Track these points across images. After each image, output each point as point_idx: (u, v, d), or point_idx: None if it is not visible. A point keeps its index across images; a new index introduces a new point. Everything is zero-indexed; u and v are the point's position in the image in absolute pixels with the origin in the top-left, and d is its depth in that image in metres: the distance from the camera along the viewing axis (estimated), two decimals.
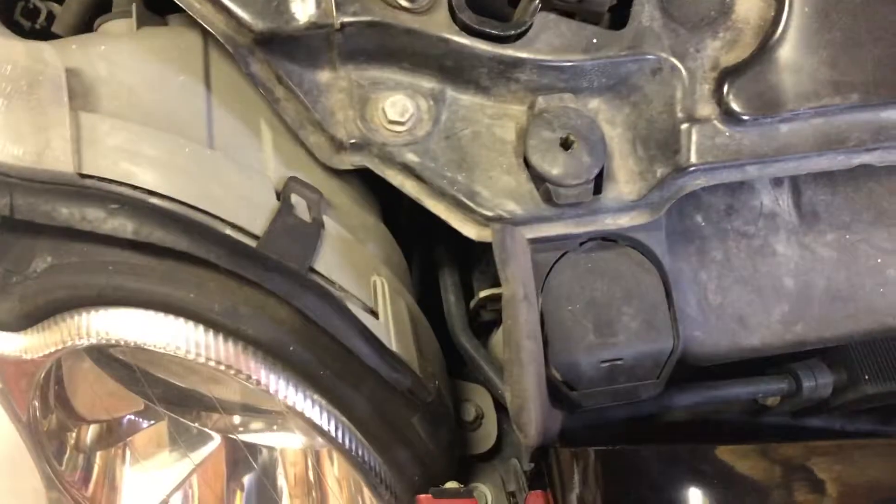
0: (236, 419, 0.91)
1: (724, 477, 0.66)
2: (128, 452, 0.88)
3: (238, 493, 0.92)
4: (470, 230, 0.63)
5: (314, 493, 0.92)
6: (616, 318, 0.66)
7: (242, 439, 0.91)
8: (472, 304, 0.79)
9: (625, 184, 0.64)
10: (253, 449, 0.93)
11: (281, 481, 0.93)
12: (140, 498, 0.88)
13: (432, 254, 0.82)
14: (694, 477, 0.65)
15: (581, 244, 0.67)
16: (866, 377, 0.80)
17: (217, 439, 0.90)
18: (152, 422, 0.88)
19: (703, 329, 0.70)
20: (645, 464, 0.64)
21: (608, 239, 0.67)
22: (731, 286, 0.71)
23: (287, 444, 0.93)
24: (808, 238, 0.73)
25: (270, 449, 0.92)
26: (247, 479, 0.93)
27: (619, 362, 0.67)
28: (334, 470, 0.90)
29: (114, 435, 0.87)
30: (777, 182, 0.73)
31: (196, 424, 0.88)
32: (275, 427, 0.91)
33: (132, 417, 0.89)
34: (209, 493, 0.91)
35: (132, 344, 0.58)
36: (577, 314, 0.66)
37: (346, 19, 0.59)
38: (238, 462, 0.93)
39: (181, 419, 0.89)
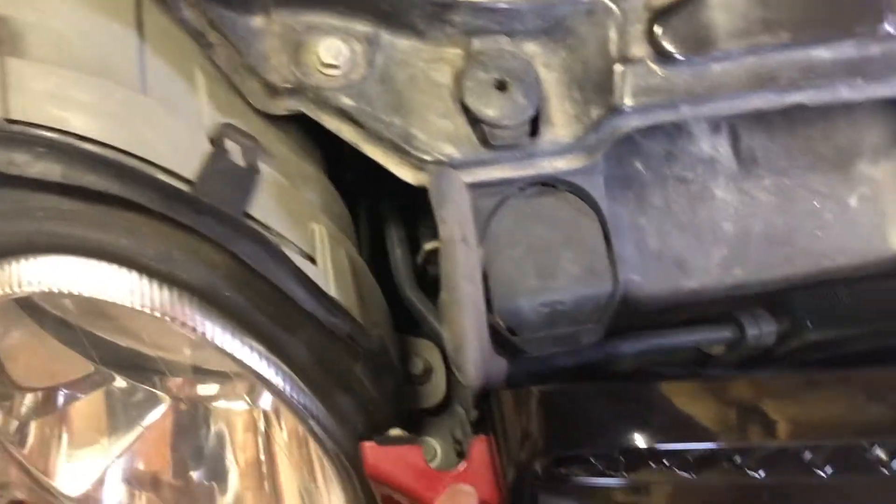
0: (186, 387, 0.91)
1: (669, 414, 0.67)
2: (65, 422, 0.87)
3: (183, 459, 0.92)
4: (407, 174, 0.63)
5: (264, 464, 0.92)
6: (556, 263, 0.67)
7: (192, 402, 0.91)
8: (419, 258, 0.79)
9: (561, 126, 0.64)
10: (202, 412, 0.92)
11: (230, 458, 0.93)
12: (80, 468, 0.87)
13: (378, 209, 0.82)
14: (638, 414, 0.66)
15: (521, 190, 0.68)
16: (809, 324, 0.81)
17: (162, 407, 0.89)
18: (94, 390, 0.87)
19: (643, 273, 0.71)
20: (586, 401, 0.65)
21: (548, 185, 0.68)
22: (670, 231, 0.72)
23: (235, 407, 0.92)
24: (746, 183, 0.74)
25: (218, 412, 0.92)
26: (193, 445, 0.93)
27: (559, 306, 0.68)
28: (283, 435, 0.90)
29: (51, 404, 0.86)
30: (715, 128, 0.74)
31: (145, 386, 0.87)
32: (224, 392, 0.90)
33: (70, 390, 0.88)
34: (154, 460, 0.91)
35: (64, 293, 0.58)
36: (518, 259, 0.67)
37: None
38: (184, 430, 0.92)
39: (131, 382, 0.89)
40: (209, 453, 0.92)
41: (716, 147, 0.74)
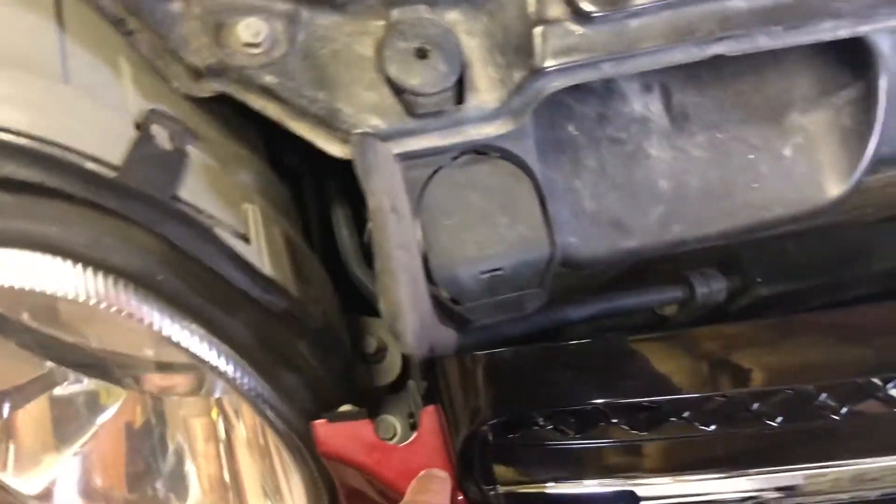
0: (143, 384, 0.91)
1: (615, 371, 0.67)
2: (12, 434, 0.86)
3: (140, 466, 0.91)
4: (335, 148, 0.64)
5: (226, 471, 0.92)
6: (492, 230, 0.68)
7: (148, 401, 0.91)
8: (365, 236, 0.80)
9: (485, 92, 0.65)
10: (158, 418, 0.92)
11: (190, 468, 0.93)
12: (33, 474, 0.87)
13: (323, 190, 0.83)
14: (585, 373, 0.66)
15: (453, 159, 0.68)
16: (759, 279, 0.82)
17: (115, 407, 0.89)
18: (40, 395, 0.87)
19: (580, 235, 0.72)
20: (531, 364, 0.66)
21: (480, 152, 0.68)
22: (606, 192, 0.73)
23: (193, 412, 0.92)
24: (680, 140, 0.75)
25: (176, 421, 0.92)
26: (150, 451, 0.93)
27: (499, 273, 0.68)
28: (243, 433, 0.90)
29: None
30: (647, 87, 0.75)
31: (103, 382, 0.87)
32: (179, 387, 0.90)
33: (15, 397, 0.87)
34: (110, 467, 0.91)
35: None
36: (455, 228, 0.68)
37: None
38: (139, 435, 0.92)
39: (91, 381, 0.89)
40: (168, 463, 0.92)
41: (648, 106, 0.75)
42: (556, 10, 0.64)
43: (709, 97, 0.76)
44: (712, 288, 0.82)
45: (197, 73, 0.64)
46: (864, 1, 0.65)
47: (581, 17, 0.63)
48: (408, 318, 0.61)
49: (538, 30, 0.64)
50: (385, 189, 0.62)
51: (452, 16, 0.66)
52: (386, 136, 0.64)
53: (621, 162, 0.74)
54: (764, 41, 0.65)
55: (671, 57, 0.65)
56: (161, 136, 0.63)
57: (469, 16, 0.66)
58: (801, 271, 0.85)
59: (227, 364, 0.64)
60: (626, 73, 0.66)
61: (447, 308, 0.70)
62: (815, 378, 0.71)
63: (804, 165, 0.76)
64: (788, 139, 0.76)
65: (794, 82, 0.76)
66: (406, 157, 0.66)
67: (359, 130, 0.64)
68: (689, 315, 0.87)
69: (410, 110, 0.64)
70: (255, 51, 0.64)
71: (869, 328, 0.72)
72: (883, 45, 0.70)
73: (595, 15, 0.63)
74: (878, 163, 0.78)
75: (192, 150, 0.65)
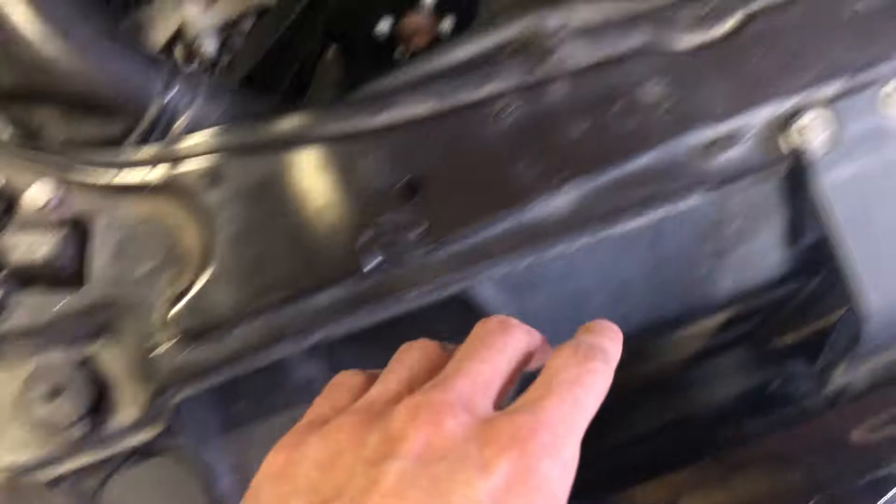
0: None
1: None
2: None
3: None
4: None
5: None
6: None
7: None
8: None
9: (126, 408, 0.75)
10: None
11: None
12: None
13: None
14: None
15: (122, 462, 0.77)
16: None
17: None
18: None
19: None
20: None
21: (145, 452, 0.77)
22: None
23: None
24: None
25: None
26: None
27: None
28: None
29: None
30: (310, 352, 0.83)
31: None
32: None
33: None
34: None
35: None
36: None
37: None
38: None
39: None
40: None
41: (313, 368, 0.84)
42: (164, 335, 0.74)
43: (368, 350, 0.84)
44: None
45: None
46: (435, 274, 0.74)
47: (185, 340, 0.73)
48: None
49: (155, 354, 0.73)
50: None
51: (85, 349, 0.76)
52: (33, 468, 0.73)
53: (292, 425, 0.82)
54: (354, 323, 0.74)
55: (273, 355, 0.74)
56: None
57: (100, 347, 0.76)
58: None
59: None
60: (241, 373, 0.75)
61: None
62: None
63: None
64: None
65: (441, 326, 0.84)
66: (65, 479, 0.75)
67: (7, 469, 0.73)
68: None
69: (55, 441, 0.73)
70: None
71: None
72: (482, 294, 0.79)
73: (197, 337, 0.72)
74: None
75: None
